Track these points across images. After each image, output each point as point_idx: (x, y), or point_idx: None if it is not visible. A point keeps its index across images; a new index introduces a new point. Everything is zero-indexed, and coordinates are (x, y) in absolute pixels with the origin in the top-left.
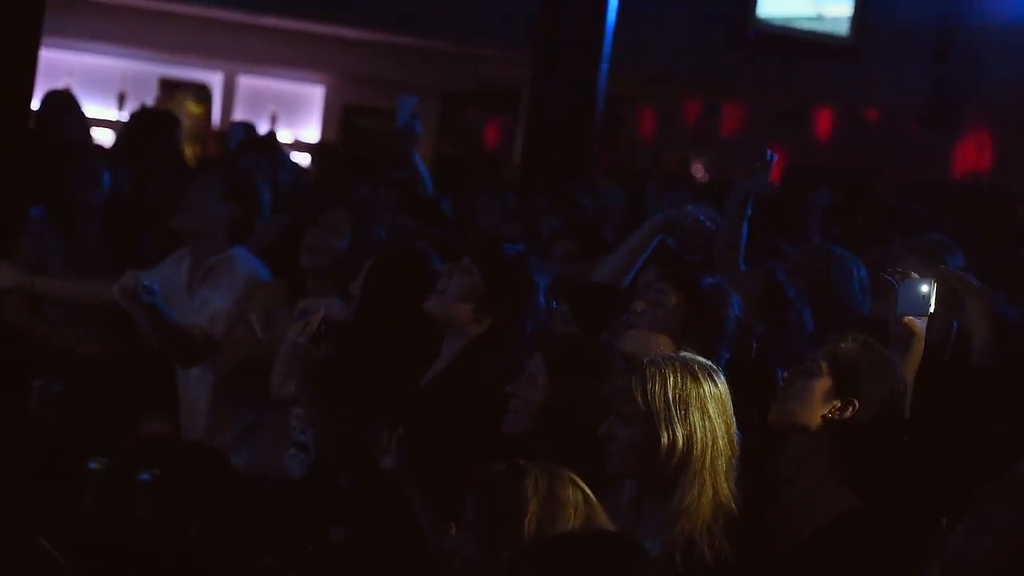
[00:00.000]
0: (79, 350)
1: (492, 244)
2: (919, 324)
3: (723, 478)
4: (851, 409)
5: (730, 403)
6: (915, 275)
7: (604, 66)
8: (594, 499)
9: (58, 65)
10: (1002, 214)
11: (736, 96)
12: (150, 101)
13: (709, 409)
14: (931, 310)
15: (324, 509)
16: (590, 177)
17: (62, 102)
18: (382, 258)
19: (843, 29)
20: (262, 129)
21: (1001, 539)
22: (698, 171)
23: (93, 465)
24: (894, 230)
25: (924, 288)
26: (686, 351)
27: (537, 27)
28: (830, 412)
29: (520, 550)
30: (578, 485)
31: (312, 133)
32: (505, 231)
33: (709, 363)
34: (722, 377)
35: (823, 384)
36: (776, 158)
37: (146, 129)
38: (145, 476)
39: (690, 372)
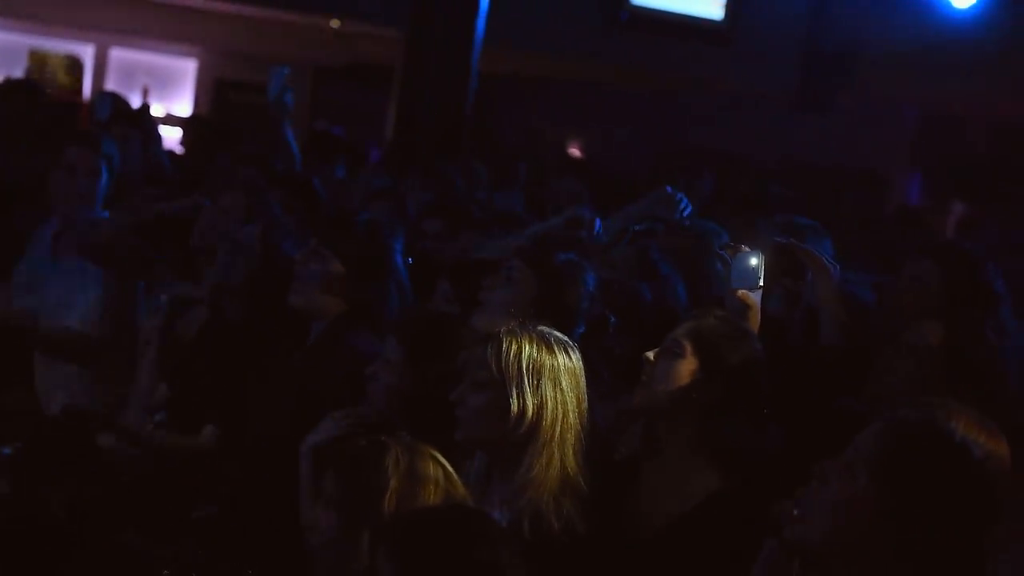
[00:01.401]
0: None
1: (340, 222)
2: (753, 297)
3: (571, 451)
4: (713, 385)
5: (583, 379)
6: (745, 249)
7: (477, 45)
8: (455, 475)
9: None
10: (873, 198)
11: (611, 77)
12: (20, 72)
13: (562, 382)
14: (761, 283)
15: (189, 485)
16: (462, 155)
17: None
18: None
19: (717, 13)
20: (134, 102)
21: (833, 513)
22: (574, 152)
23: None
24: (760, 213)
25: (753, 261)
26: (544, 325)
27: (411, 4)
28: (693, 390)
29: (379, 527)
30: (439, 461)
31: (184, 107)
32: (372, 208)
33: (566, 338)
34: (577, 353)
35: (687, 363)
36: (684, 201)
37: (10, 101)
38: (5, 451)
39: (546, 344)
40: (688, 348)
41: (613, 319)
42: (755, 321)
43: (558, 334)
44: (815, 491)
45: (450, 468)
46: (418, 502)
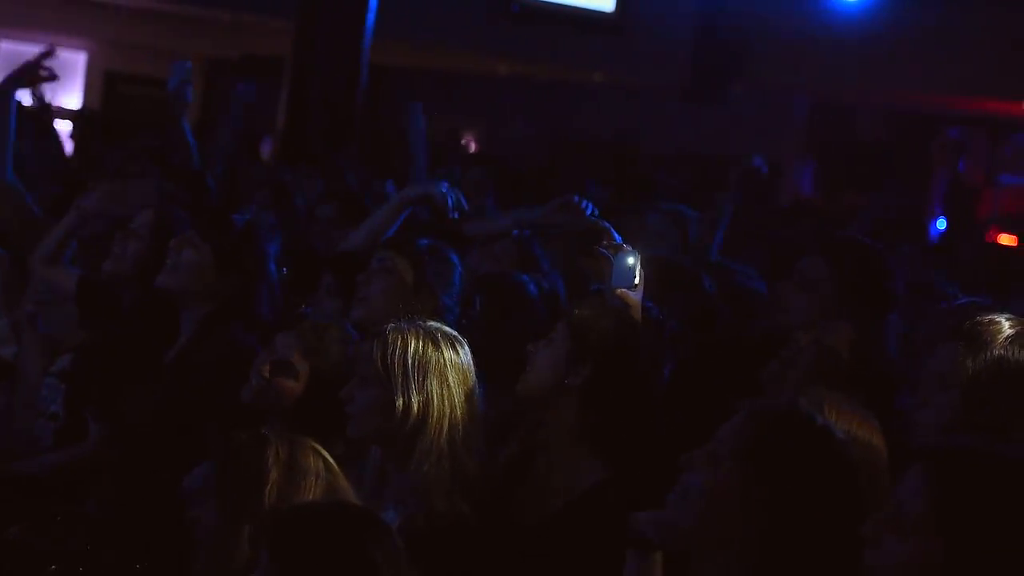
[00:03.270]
0: None
1: (219, 216)
2: (632, 295)
3: (461, 446)
4: (592, 374)
5: (472, 373)
6: (625, 248)
7: (367, 36)
8: (336, 467)
9: None
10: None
11: (504, 69)
12: None
13: (448, 378)
14: (637, 283)
15: (75, 480)
16: (353, 146)
17: None
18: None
19: (608, 4)
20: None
21: (700, 502)
22: (467, 143)
23: None
24: (647, 202)
25: (631, 261)
26: (431, 320)
27: None
28: (573, 379)
29: (259, 520)
30: (320, 453)
31: (74, 100)
32: (258, 199)
33: (454, 333)
34: (465, 347)
35: (564, 351)
36: (589, 207)
37: None
38: None
39: (432, 340)
40: (562, 334)
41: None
42: (636, 318)
43: (446, 329)
44: (682, 481)
45: (331, 460)
46: (300, 495)
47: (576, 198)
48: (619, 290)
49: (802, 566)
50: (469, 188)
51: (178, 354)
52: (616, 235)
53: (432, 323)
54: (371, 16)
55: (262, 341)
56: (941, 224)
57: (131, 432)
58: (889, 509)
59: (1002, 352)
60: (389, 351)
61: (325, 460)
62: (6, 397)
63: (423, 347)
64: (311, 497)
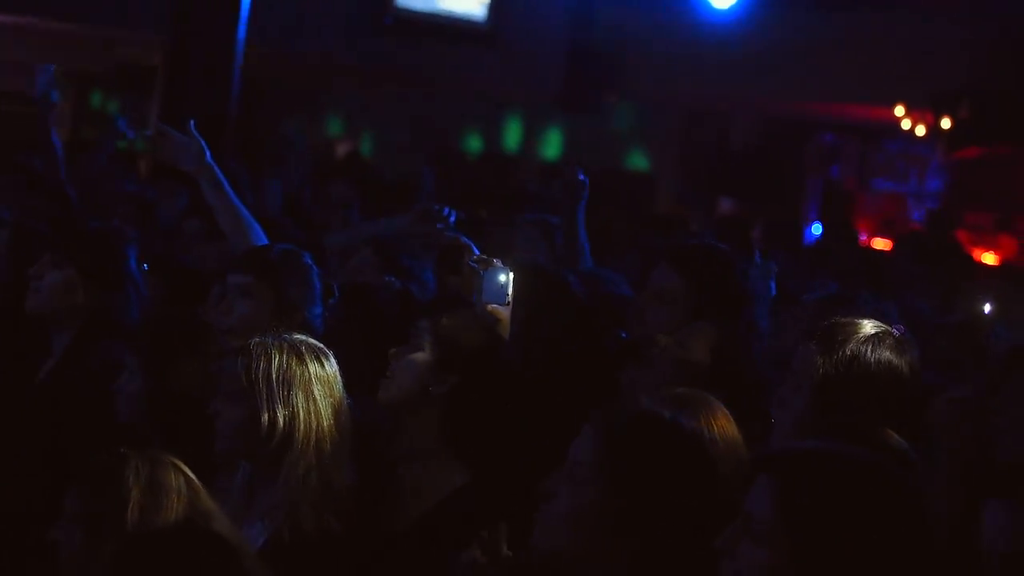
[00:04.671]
0: None
1: (81, 229)
2: (503, 311)
3: (329, 458)
4: (448, 375)
5: (339, 384)
6: (496, 264)
7: (239, 48)
8: (197, 483)
9: None
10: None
11: (380, 81)
12: None
13: (314, 391)
14: (509, 299)
15: None
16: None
17: None
18: None
19: (479, 13)
20: None
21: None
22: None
23: None
24: (519, 214)
25: (503, 278)
26: (296, 333)
27: (172, 8)
28: (439, 387)
29: (123, 540)
30: (180, 469)
31: None
32: (120, 213)
33: (320, 345)
34: (331, 359)
35: (426, 359)
36: (452, 216)
37: None
38: None
39: (296, 353)
40: (425, 341)
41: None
42: (504, 334)
43: (311, 341)
44: (545, 508)
45: (192, 476)
46: (162, 512)
47: (436, 207)
48: (490, 306)
49: (675, 569)
50: (333, 201)
51: (49, 375)
52: (476, 250)
53: (297, 336)
54: (242, 28)
55: (130, 346)
56: (817, 229)
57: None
58: (739, 519)
59: (854, 351)
60: (253, 366)
61: (187, 477)
62: None
63: (287, 361)
64: (173, 516)
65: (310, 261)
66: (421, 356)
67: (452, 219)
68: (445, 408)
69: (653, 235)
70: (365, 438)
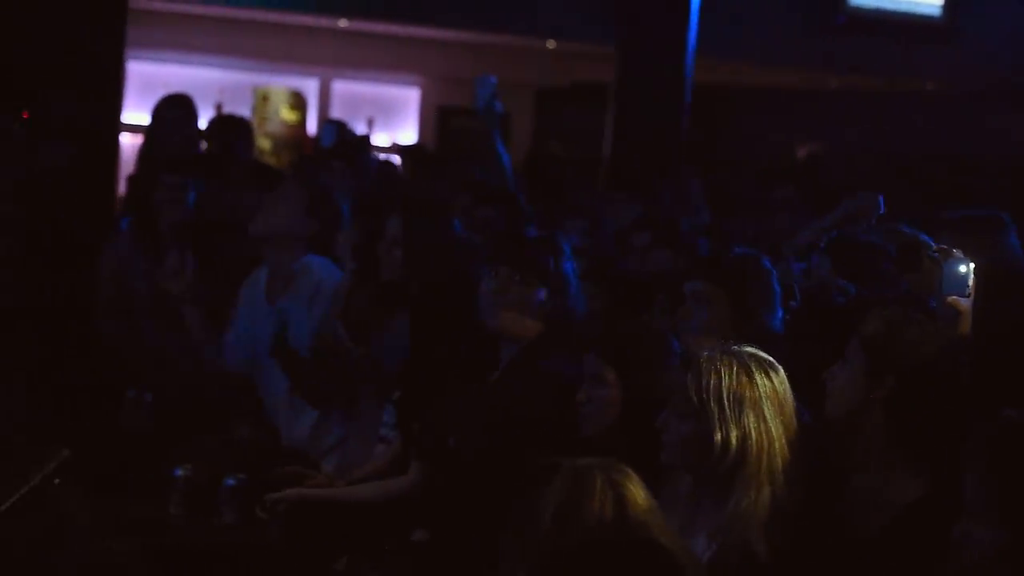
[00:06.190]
0: (173, 362)
1: (530, 244)
2: (964, 303)
3: (781, 479)
4: (897, 385)
5: (789, 400)
6: (957, 255)
7: (689, 57)
8: (652, 500)
9: (154, 77)
10: None
11: (832, 81)
12: (246, 110)
13: (765, 409)
14: (969, 292)
15: (404, 511)
16: (677, 169)
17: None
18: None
19: (934, 8)
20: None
21: None
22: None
23: (178, 472)
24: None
25: (963, 269)
26: (746, 345)
27: (621, 21)
28: (877, 392)
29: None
30: (639, 483)
31: (409, 136)
32: (568, 226)
33: (768, 358)
34: (780, 373)
35: (860, 367)
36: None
37: (220, 138)
38: (230, 482)
39: (746, 370)
40: (855, 350)
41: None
42: (965, 327)
43: (760, 355)
44: None
45: (648, 493)
46: (616, 523)
47: (870, 197)
48: (950, 298)
49: None
50: (776, 206)
51: (499, 381)
52: (932, 244)
53: (746, 349)
54: (692, 37)
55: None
56: None
57: (456, 460)
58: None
59: None
60: (703, 383)
61: (644, 491)
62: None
63: (737, 379)
64: (628, 527)
65: (768, 265)
66: (852, 367)
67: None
68: (887, 413)
69: None
70: (817, 448)
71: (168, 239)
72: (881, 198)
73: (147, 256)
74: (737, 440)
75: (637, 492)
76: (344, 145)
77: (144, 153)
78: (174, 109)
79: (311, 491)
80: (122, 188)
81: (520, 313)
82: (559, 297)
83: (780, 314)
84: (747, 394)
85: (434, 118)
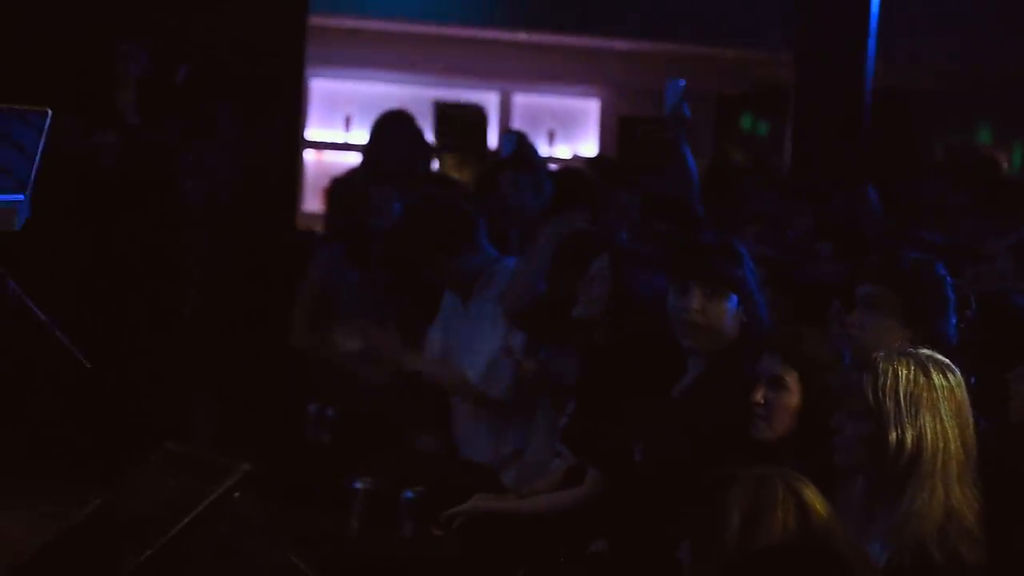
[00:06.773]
0: (363, 375)
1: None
2: None
3: (956, 481)
4: None
5: (966, 403)
6: None
7: (869, 62)
8: (830, 508)
9: (338, 95)
10: None
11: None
12: (426, 125)
13: (941, 410)
14: None
15: (579, 522)
16: (857, 176)
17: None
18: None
19: None
20: (540, 145)
21: None
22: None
23: (358, 484)
24: None
25: None
26: (922, 346)
27: (800, 27)
28: None
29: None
30: (818, 494)
31: (590, 147)
32: (749, 231)
33: (946, 360)
34: (958, 374)
35: None
36: None
37: (395, 151)
38: (409, 494)
39: (923, 370)
40: None
41: None
42: None
43: (937, 356)
44: None
45: (825, 500)
46: (808, 530)
47: None
48: None
49: None
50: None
51: (690, 392)
52: None
53: (922, 350)
54: (872, 40)
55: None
56: None
57: (641, 471)
58: None
59: None
60: (880, 383)
61: (823, 499)
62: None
63: (914, 379)
64: (805, 535)
65: (943, 271)
66: None
67: None
68: None
69: None
70: (998, 453)
71: (374, 253)
72: None
73: (355, 271)
74: (912, 440)
75: (816, 500)
76: (520, 155)
77: (364, 169)
78: (397, 124)
79: (487, 503)
80: (309, 203)
81: (711, 325)
82: (748, 305)
83: (954, 322)
84: (924, 394)
85: (615, 128)
